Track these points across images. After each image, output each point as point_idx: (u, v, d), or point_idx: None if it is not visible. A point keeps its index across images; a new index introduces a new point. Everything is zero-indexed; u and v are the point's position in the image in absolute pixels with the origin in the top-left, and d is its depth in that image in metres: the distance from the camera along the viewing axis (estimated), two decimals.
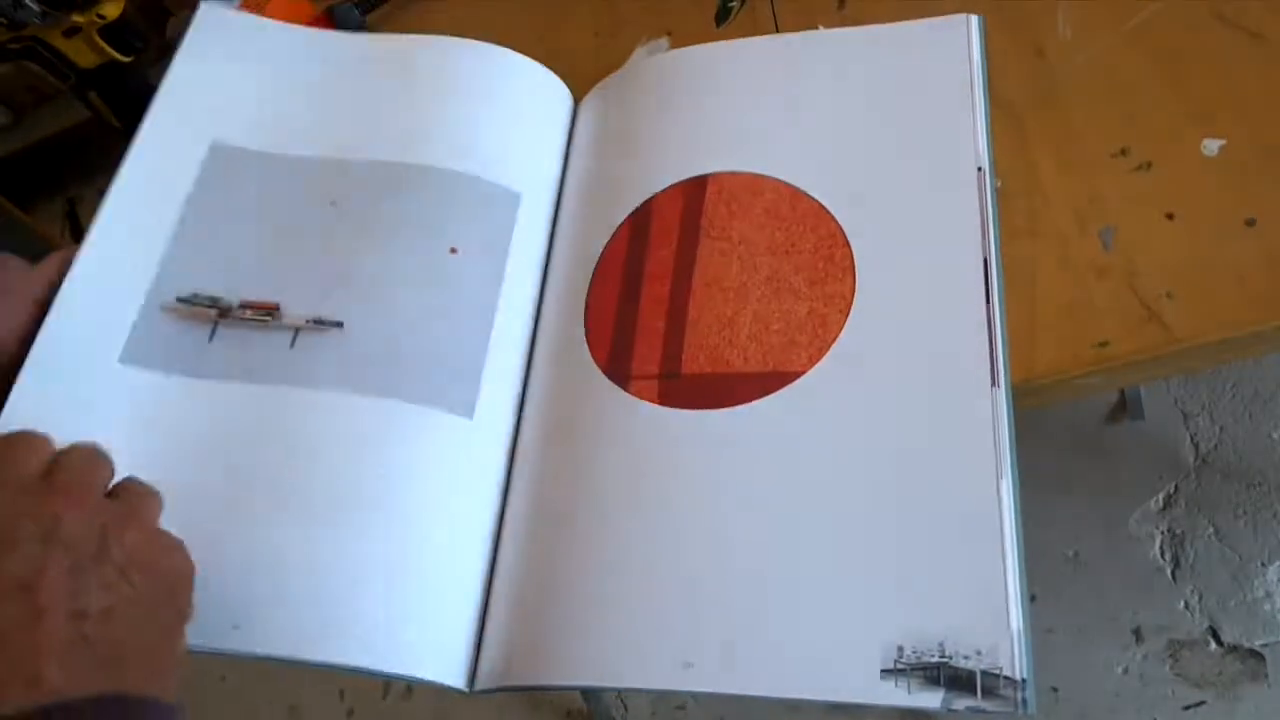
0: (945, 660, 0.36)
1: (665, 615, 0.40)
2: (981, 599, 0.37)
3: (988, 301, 0.42)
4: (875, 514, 0.39)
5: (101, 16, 0.55)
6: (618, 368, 0.46)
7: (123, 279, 0.48)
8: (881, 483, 0.40)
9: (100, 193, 0.52)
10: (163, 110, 0.53)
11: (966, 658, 0.36)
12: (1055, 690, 1.08)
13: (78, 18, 0.54)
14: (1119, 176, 0.47)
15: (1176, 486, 1.16)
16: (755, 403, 0.43)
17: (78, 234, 1.50)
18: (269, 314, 0.48)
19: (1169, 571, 1.12)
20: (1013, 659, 0.35)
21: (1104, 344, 0.43)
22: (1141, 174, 0.46)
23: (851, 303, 0.45)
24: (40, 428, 0.41)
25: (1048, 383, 0.43)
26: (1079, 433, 1.21)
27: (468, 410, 0.46)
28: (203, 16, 0.57)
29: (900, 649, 0.36)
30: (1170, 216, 0.45)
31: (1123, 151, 0.47)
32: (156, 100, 0.53)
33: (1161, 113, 0.48)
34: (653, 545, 0.41)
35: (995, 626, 0.36)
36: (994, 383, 0.41)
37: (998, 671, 0.35)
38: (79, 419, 0.43)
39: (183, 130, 0.53)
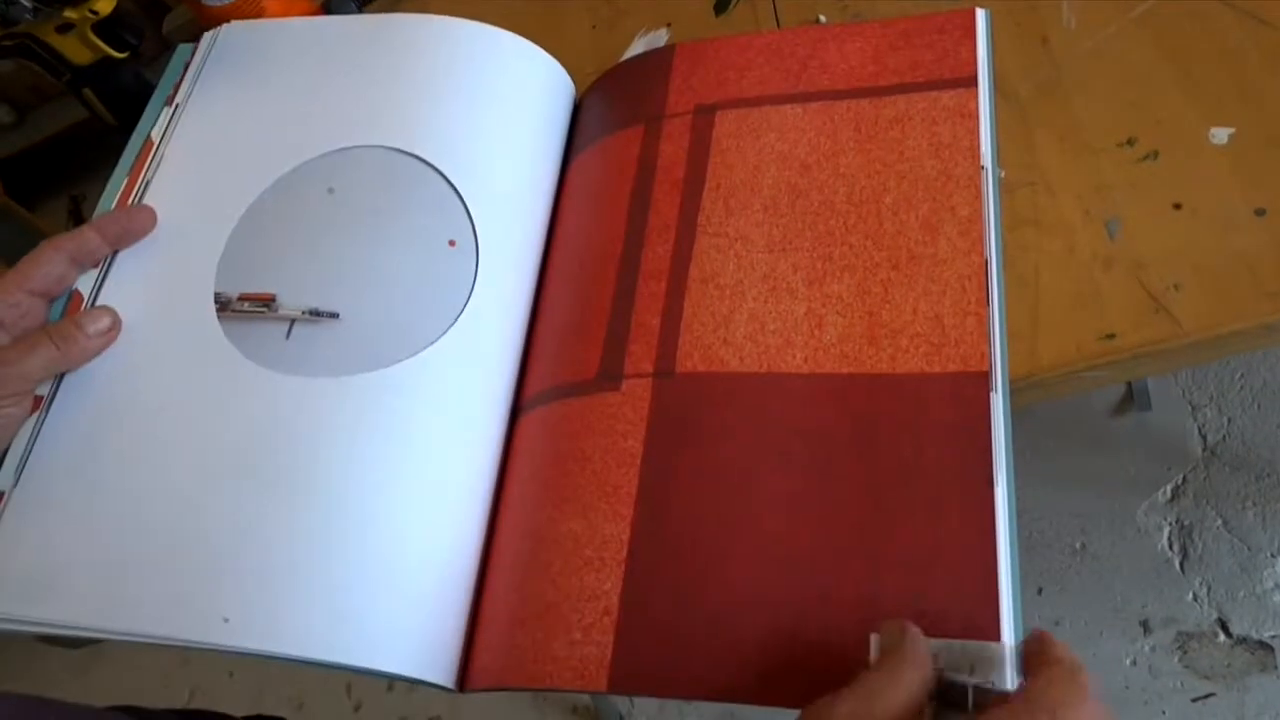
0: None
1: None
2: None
3: (989, 304, 0.41)
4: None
5: (94, 12, 0.54)
6: (611, 365, 0.46)
7: None
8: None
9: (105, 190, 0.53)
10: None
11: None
12: None
13: (70, 14, 0.54)
14: (1125, 166, 0.46)
15: (1184, 478, 1.15)
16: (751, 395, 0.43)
17: None
18: (265, 305, 0.48)
19: (1177, 563, 1.11)
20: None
21: (1111, 336, 0.42)
22: (1148, 163, 0.46)
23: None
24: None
25: (1053, 376, 0.43)
26: (1086, 424, 1.20)
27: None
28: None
29: None
30: (1178, 206, 0.44)
31: (1129, 141, 0.47)
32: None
33: (1168, 101, 0.47)
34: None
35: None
36: (992, 387, 0.39)
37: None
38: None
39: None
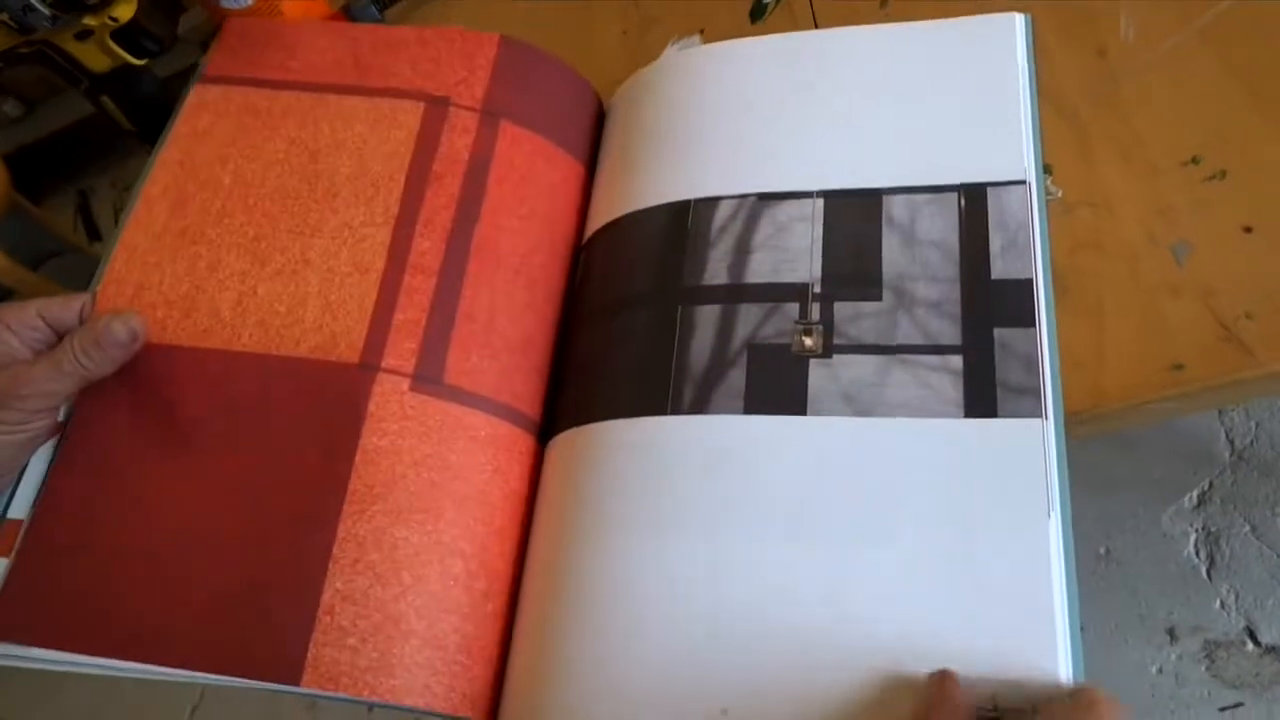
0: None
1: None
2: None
3: (1034, 325, 0.39)
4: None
5: (114, 19, 0.52)
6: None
7: None
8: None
9: (113, 185, 0.50)
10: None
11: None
12: None
13: (89, 21, 0.52)
14: (1191, 186, 0.44)
15: (1211, 483, 1.13)
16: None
17: (90, 226, 1.49)
18: None
19: (1204, 570, 1.10)
20: None
21: (1179, 366, 0.40)
22: (1215, 183, 0.44)
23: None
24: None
25: (1118, 408, 0.41)
26: None
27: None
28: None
29: None
30: (1248, 230, 0.42)
31: (1194, 159, 0.45)
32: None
33: (1235, 117, 0.45)
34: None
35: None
36: (1043, 415, 0.38)
37: None
38: None
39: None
